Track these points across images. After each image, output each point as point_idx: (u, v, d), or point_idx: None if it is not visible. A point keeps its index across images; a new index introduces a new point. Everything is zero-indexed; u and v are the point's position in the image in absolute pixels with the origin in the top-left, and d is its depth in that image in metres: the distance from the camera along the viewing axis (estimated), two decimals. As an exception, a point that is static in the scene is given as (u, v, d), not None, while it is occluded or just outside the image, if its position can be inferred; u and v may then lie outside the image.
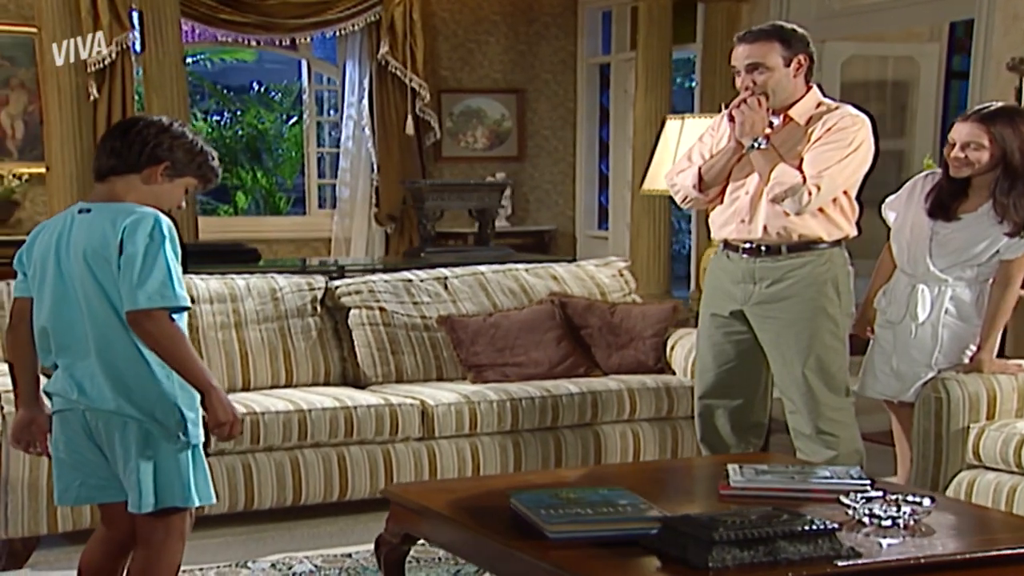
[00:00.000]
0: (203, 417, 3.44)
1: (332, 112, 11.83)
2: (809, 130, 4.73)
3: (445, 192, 8.18)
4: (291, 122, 13.93)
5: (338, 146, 11.43)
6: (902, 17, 9.87)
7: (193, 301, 5.42)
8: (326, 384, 5.58)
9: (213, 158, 3.63)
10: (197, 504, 3.51)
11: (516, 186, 11.70)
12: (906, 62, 11.01)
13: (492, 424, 5.33)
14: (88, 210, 3.45)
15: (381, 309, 5.78)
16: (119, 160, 3.48)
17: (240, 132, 14.29)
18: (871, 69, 10.91)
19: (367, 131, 11.16)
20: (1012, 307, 4.94)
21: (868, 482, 3.79)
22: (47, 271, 3.45)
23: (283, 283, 5.72)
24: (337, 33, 11.24)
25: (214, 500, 3.60)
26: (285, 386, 5.49)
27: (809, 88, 4.80)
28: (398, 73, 11.14)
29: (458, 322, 5.81)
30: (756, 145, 4.69)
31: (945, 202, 4.98)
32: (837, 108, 4.78)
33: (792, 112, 4.76)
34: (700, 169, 4.90)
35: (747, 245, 4.83)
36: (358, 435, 5.12)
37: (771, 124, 4.75)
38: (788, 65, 4.68)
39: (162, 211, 3.47)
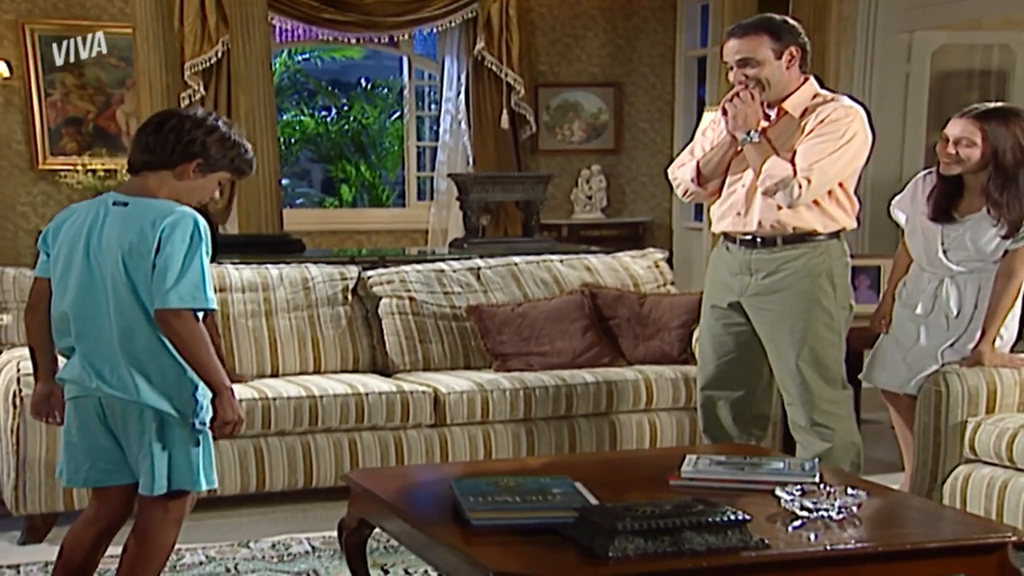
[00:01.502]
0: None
1: (433, 107, 11.92)
2: (803, 122, 4.64)
3: (488, 184, 8.20)
4: (394, 117, 14.08)
5: (437, 140, 11.52)
6: (1000, 3, 9.57)
7: (224, 290, 5.56)
8: (354, 371, 5.65)
9: (246, 151, 3.66)
10: (204, 488, 3.59)
11: (612, 178, 11.66)
12: (1003, 51, 10.64)
13: (505, 412, 5.35)
14: (125, 204, 3.50)
15: (411, 299, 5.83)
16: (152, 155, 3.53)
17: (346, 127, 14.49)
18: (964, 59, 10.57)
19: (463, 125, 11.22)
20: (1014, 298, 4.77)
21: (816, 475, 3.73)
22: (74, 258, 3.51)
23: (316, 273, 5.81)
24: (436, 29, 11.34)
25: (216, 484, 3.69)
26: (313, 373, 5.58)
27: (806, 79, 4.71)
28: (494, 68, 11.19)
29: (486, 311, 5.83)
30: (749, 138, 4.61)
31: (943, 205, 4.85)
32: (832, 99, 4.68)
33: (786, 105, 4.67)
34: (699, 163, 4.85)
35: (744, 237, 4.76)
36: (369, 421, 5.18)
37: (767, 117, 4.68)
38: (779, 57, 4.59)
39: (194, 205, 3.54)
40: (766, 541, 3.16)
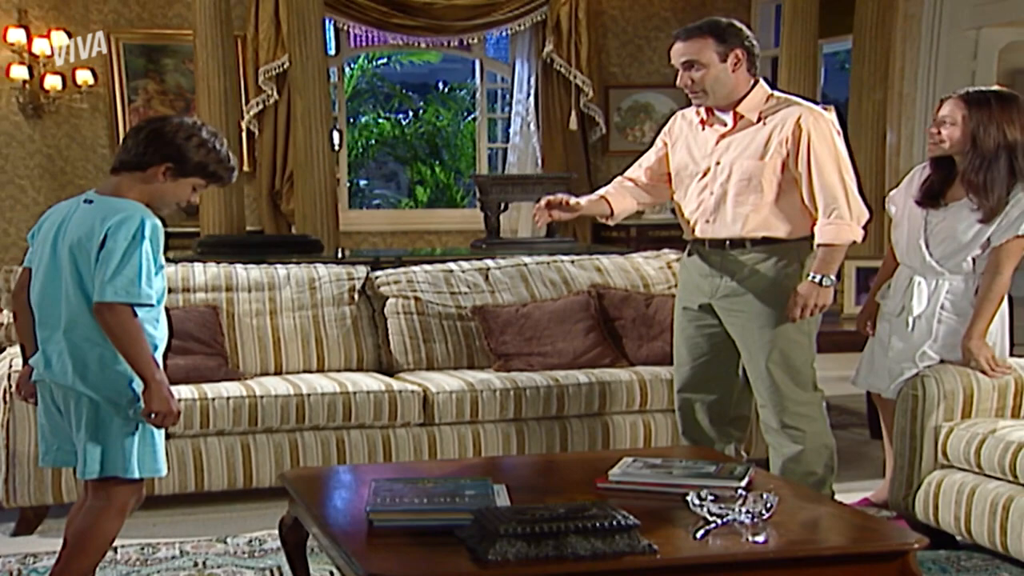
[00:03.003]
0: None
1: (506, 109, 11.91)
2: (770, 128, 4.50)
3: (508, 185, 8.14)
4: (469, 119, 14.10)
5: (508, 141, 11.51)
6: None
7: (230, 289, 5.60)
8: (357, 370, 5.64)
9: (224, 158, 3.70)
10: (138, 476, 3.63)
11: (683, 178, 11.50)
12: (1077, 47, 10.27)
13: (495, 412, 5.28)
14: (91, 201, 3.61)
15: (416, 299, 5.80)
16: (128, 156, 3.63)
17: (421, 129, 14.55)
18: (1033, 56, 10.23)
19: (532, 127, 11.19)
20: (1001, 295, 4.57)
21: (744, 481, 3.61)
22: (45, 251, 3.64)
23: (323, 272, 5.81)
24: (508, 32, 11.33)
25: (162, 473, 3.74)
26: (316, 371, 5.58)
27: (756, 81, 4.58)
28: (562, 70, 11.16)
29: (490, 312, 5.78)
30: (830, 282, 4.46)
31: (934, 190, 4.68)
32: (789, 104, 4.55)
33: (741, 109, 4.54)
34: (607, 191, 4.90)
35: (714, 239, 4.65)
36: (357, 420, 5.15)
37: (724, 123, 4.58)
38: (724, 60, 4.47)
39: (157, 208, 3.62)
40: (654, 547, 3.06)
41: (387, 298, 5.82)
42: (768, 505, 3.33)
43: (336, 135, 10.12)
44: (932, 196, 4.68)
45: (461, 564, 3.02)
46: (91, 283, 3.50)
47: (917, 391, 4.52)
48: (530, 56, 11.31)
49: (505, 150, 11.55)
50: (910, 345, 4.68)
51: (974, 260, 4.59)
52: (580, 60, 11.18)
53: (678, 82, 4.59)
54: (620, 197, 4.88)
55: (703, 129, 4.68)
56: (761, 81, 4.62)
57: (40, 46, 10.59)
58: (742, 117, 4.55)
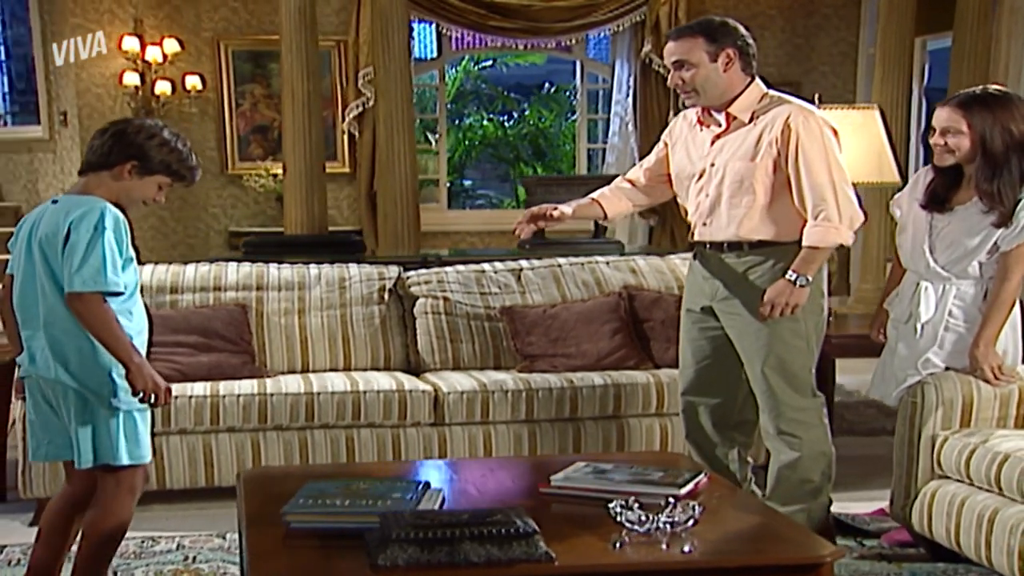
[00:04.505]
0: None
1: (606, 109, 11.77)
2: (760, 128, 4.33)
3: (553, 185, 8.03)
4: (571, 120, 13.99)
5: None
6: None
7: (261, 288, 5.63)
8: (385, 369, 5.61)
9: (186, 158, 3.80)
10: (125, 462, 3.68)
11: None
12: None
13: (506, 413, 5.19)
14: (57, 201, 3.72)
15: (445, 299, 5.74)
16: (95, 157, 3.73)
17: (524, 131, 14.48)
18: None
19: (631, 127, 11.05)
20: (1010, 302, 4.28)
21: (682, 489, 3.45)
22: (21, 253, 3.74)
23: (354, 272, 5.79)
24: (609, 32, 11.21)
25: (146, 460, 3.78)
26: (343, 370, 5.57)
27: (751, 81, 4.40)
28: (661, 70, 10.96)
29: (518, 312, 5.69)
30: (801, 281, 4.27)
31: (939, 193, 4.43)
32: (780, 103, 4.36)
33: (733, 109, 4.37)
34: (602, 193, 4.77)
35: (714, 241, 4.49)
36: (366, 419, 5.11)
37: (719, 124, 4.41)
38: (715, 60, 4.30)
39: (125, 206, 3.71)
40: (551, 554, 2.95)
41: (417, 298, 5.77)
42: (691, 514, 3.19)
43: (432, 136, 10.12)
44: (937, 200, 4.43)
45: (351, 569, 2.95)
46: (62, 277, 3.57)
47: (916, 398, 4.29)
48: (629, 57, 11.17)
49: (604, 150, 11.41)
50: (915, 352, 4.43)
51: (980, 265, 4.33)
52: (680, 60, 11.00)
53: (669, 82, 4.46)
54: (615, 199, 4.76)
55: (700, 130, 4.52)
56: (757, 81, 4.44)
57: (152, 53, 10.84)
58: (735, 118, 4.38)
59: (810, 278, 4.24)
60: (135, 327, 3.71)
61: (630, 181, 4.80)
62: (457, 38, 11.43)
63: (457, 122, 14.19)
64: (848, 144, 5.73)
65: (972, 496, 4.03)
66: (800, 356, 4.39)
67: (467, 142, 14.07)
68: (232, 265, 5.78)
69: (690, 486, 3.51)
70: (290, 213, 8.96)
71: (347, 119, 10.76)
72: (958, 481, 4.13)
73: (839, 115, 5.60)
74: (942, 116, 4.34)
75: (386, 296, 5.75)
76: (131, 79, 10.76)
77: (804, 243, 4.25)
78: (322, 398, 5.08)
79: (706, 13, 11.38)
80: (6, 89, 11.80)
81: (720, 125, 4.42)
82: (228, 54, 11.19)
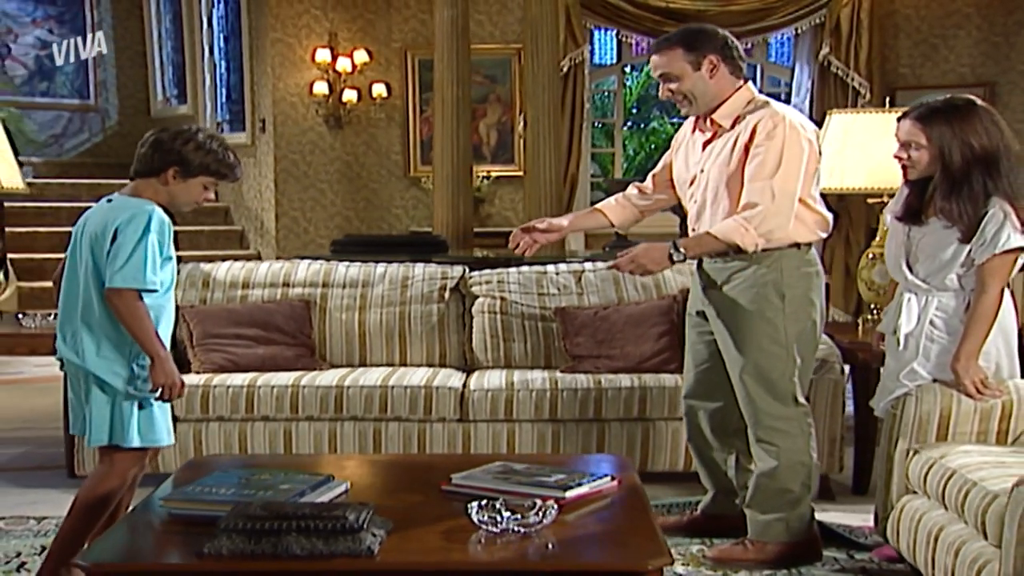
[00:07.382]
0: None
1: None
2: (737, 133, 4.13)
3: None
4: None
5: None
6: None
7: (327, 285, 5.73)
8: (441, 366, 5.62)
9: (223, 157, 3.95)
10: (137, 445, 3.86)
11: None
12: None
13: (529, 412, 5.11)
14: (111, 200, 3.94)
15: (503, 299, 5.71)
16: (140, 165, 3.94)
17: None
18: None
19: (808, 129, 10.67)
20: (990, 315, 3.92)
21: (561, 493, 3.33)
22: (72, 244, 3.98)
23: (418, 271, 5.81)
24: (792, 36, 10.89)
25: (163, 443, 3.96)
26: (399, 365, 5.60)
27: (742, 85, 4.19)
28: (839, 72, 10.58)
29: (569, 314, 5.59)
30: (679, 256, 4.13)
31: (914, 206, 4.12)
32: (762, 105, 4.14)
33: (716, 116, 4.19)
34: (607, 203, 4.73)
35: None
36: (393, 412, 5.13)
37: (704, 131, 4.25)
38: (697, 69, 4.13)
39: (175, 208, 3.92)
40: (373, 550, 2.90)
41: (477, 297, 5.75)
42: (542, 517, 3.07)
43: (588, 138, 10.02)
44: (912, 213, 4.11)
45: (179, 555, 2.99)
46: (104, 272, 3.77)
47: (896, 411, 4.00)
48: (808, 59, 10.79)
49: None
50: (900, 364, 4.12)
51: (959, 277, 3.99)
52: (859, 62, 10.56)
53: (660, 94, 4.33)
54: (620, 209, 4.69)
55: (696, 136, 4.36)
56: (748, 85, 4.24)
57: (342, 64, 11.17)
58: (720, 125, 4.19)
59: (686, 256, 4.07)
60: (163, 321, 3.89)
61: (640, 188, 4.68)
62: (637, 43, 11.30)
63: (642, 126, 13.99)
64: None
65: (929, 512, 3.71)
66: (779, 363, 4.16)
67: (651, 145, 13.86)
68: (303, 263, 5.90)
69: (582, 490, 3.40)
70: (438, 215, 9.06)
71: (521, 124, 10.81)
72: (925, 497, 3.82)
73: None
74: (903, 129, 4.05)
75: (446, 295, 5.75)
76: (320, 88, 11.11)
77: (710, 228, 4.09)
78: (351, 391, 5.13)
79: (894, 14, 10.91)
80: (223, 99, 12.38)
81: (708, 132, 4.26)
82: (415, 63, 11.41)
